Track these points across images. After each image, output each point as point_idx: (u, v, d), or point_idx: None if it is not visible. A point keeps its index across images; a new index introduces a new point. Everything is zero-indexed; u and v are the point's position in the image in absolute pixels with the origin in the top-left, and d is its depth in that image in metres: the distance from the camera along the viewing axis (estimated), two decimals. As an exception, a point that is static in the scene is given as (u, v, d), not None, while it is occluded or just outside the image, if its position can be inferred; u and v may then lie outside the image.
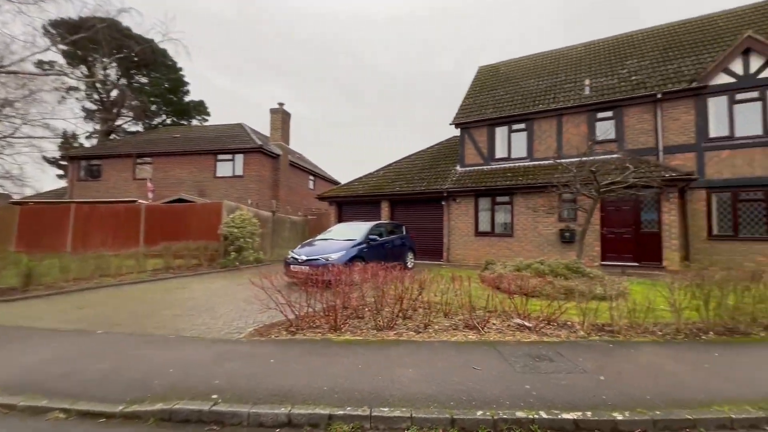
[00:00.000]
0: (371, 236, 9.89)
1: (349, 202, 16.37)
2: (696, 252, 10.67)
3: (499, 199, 13.07)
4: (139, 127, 32.70)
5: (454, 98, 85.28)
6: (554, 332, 4.97)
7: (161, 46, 24.35)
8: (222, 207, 12.64)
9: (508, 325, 5.20)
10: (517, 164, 13.67)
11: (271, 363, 3.82)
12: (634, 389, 3.25)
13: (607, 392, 3.19)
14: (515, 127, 13.98)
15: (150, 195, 17.50)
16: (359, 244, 9.32)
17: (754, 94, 10.42)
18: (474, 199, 13.44)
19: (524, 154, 13.71)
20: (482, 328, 5.00)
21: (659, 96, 11.32)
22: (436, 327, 5.14)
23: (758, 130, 10.30)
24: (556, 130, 13.15)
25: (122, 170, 21.19)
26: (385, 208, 15.18)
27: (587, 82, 13.32)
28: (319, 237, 10.56)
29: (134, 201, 16.18)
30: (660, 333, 4.92)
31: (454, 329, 5.07)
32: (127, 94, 20.34)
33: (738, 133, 10.52)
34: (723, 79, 10.78)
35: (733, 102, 10.64)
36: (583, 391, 3.20)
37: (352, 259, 8.42)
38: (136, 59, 27.59)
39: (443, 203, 14.03)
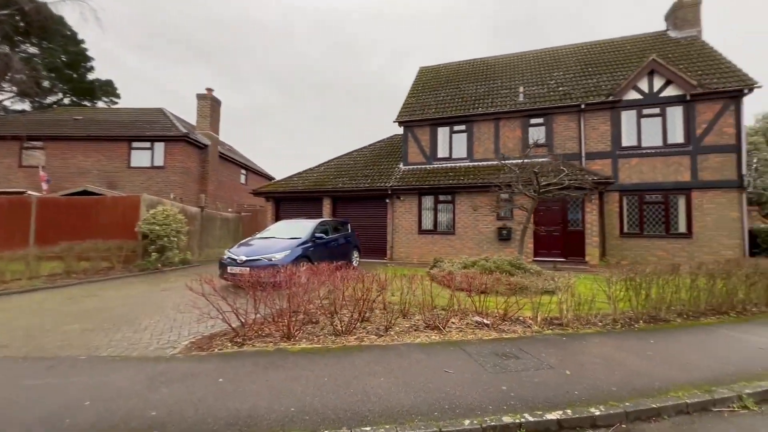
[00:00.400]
0: (317, 234, 9.38)
1: (288, 198, 15.52)
2: (610, 248, 12.00)
3: (441, 197, 13.36)
4: (26, 106, 27.47)
5: (383, 99, 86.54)
6: (511, 328, 5.07)
7: (59, 11, 20.65)
8: (140, 201, 11.04)
9: (467, 323, 5.20)
10: (458, 164, 14.11)
11: (221, 383, 3.25)
12: (599, 381, 3.36)
13: (577, 387, 3.25)
14: (456, 128, 14.41)
15: (44, 186, 14.72)
16: (305, 242, 8.76)
17: (656, 111, 12.02)
18: (418, 197, 13.57)
19: (464, 154, 14.21)
20: (444, 328, 4.91)
21: (583, 107, 12.51)
22: (397, 329, 4.94)
23: (659, 142, 11.91)
24: (494, 133, 13.84)
25: (4, 155, 17.59)
26: (326, 205, 14.66)
27: (521, 89, 14.24)
28: (258, 235, 9.74)
29: (22, 192, 13.51)
30: (601, 324, 5.30)
31: (415, 330, 4.91)
32: (12, 63, 16.74)
33: (644, 144, 12.06)
34: (633, 95, 12.25)
35: (640, 116, 12.16)
36: (556, 388, 3.22)
37: (298, 259, 7.89)
38: (22, 23, 23.08)
39: (387, 201, 13.95)
